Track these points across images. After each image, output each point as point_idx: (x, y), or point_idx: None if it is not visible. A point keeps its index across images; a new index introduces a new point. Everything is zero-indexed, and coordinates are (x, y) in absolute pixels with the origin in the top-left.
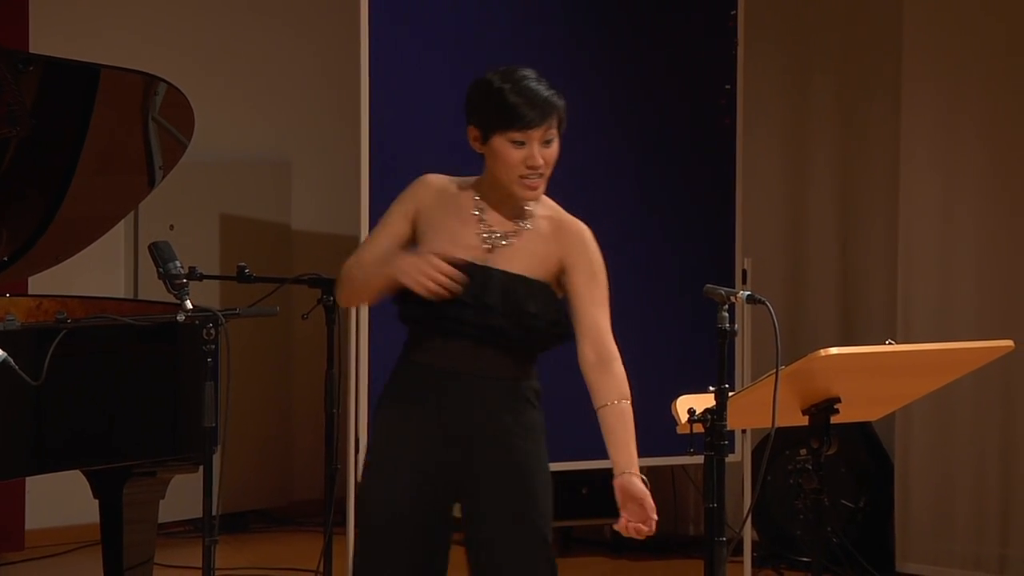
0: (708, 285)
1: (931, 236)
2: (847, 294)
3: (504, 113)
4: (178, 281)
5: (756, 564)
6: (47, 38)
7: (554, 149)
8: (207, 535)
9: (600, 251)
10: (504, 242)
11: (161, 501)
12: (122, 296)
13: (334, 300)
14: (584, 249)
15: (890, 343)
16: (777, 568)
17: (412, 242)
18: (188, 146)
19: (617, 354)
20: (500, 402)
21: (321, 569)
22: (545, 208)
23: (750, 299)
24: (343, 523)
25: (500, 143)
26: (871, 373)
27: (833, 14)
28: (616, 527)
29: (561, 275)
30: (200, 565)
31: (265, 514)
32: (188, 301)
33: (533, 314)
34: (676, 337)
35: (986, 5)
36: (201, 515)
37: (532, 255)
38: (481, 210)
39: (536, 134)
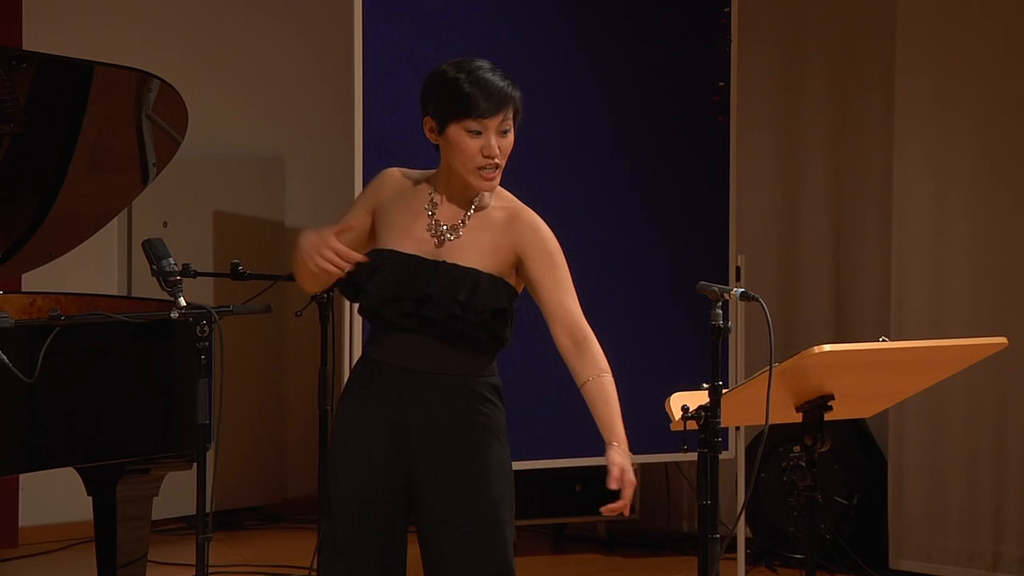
0: (702, 282)
1: (925, 233)
2: (840, 291)
3: (460, 102)
4: (172, 278)
5: (750, 561)
6: (40, 35)
7: (510, 139)
8: (201, 532)
9: (557, 237)
10: (452, 236)
11: (155, 498)
12: (116, 293)
13: (327, 297)
14: (537, 236)
15: (884, 340)
16: (771, 565)
17: (372, 235)
18: (181, 143)
19: (591, 333)
20: (449, 399)
21: (315, 566)
22: (500, 199)
23: (744, 296)
24: None
25: (456, 133)
26: (865, 370)
27: (826, 11)
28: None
29: (519, 266)
30: (194, 562)
31: (259, 511)
32: (182, 298)
33: (477, 307)
34: (670, 334)
35: (979, 1)
36: (195, 512)
37: (482, 248)
38: (434, 204)
39: (492, 123)
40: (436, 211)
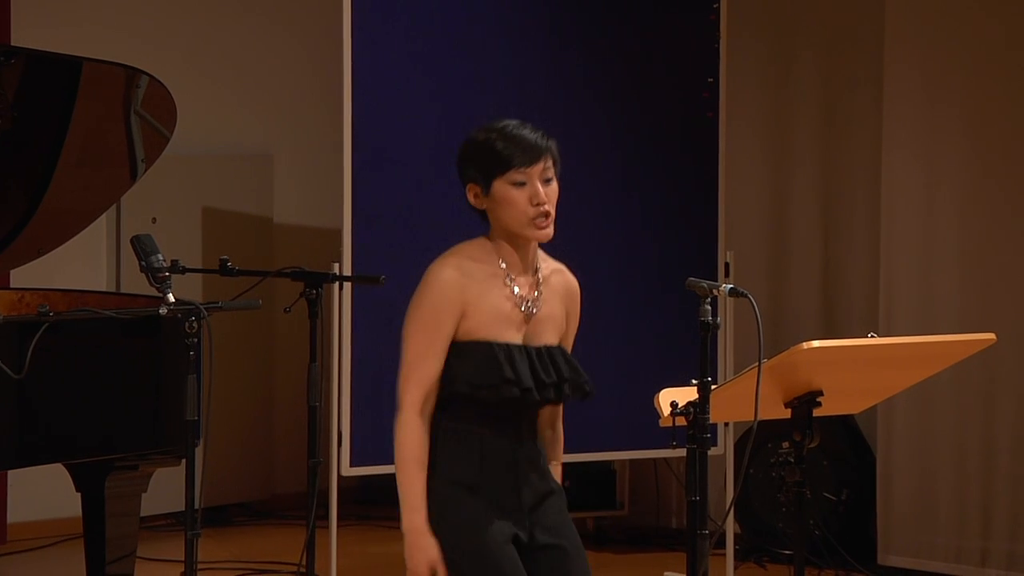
0: (691, 278)
1: (913, 229)
2: (829, 287)
3: (499, 157)
4: (160, 274)
5: (738, 557)
6: (29, 31)
7: (555, 188)
8: (189, 528)
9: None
10: (536, 310)
11: (143, 494)
12: (104, 289)
13: (316, 293)
14: (578, 305)
15: (872, 336)
16: (759, 561)
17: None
18: (170, 139)
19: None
20: (537, 466)
21: (303, 562)
22: (545, 259)
23: (732, 292)
24: (325, 516)
25: (502, 189)
26: (853, 366)
27: (815, 7)
28: None
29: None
30: (183, 558)
31: (247, 507)
32: (170, 294)
33: (587, 380)
34: (659, 330)
35: None
36: (183, 508)
37: (555, 320)
38: (511, 276)
39: (535, 171)
40: (515, 284)
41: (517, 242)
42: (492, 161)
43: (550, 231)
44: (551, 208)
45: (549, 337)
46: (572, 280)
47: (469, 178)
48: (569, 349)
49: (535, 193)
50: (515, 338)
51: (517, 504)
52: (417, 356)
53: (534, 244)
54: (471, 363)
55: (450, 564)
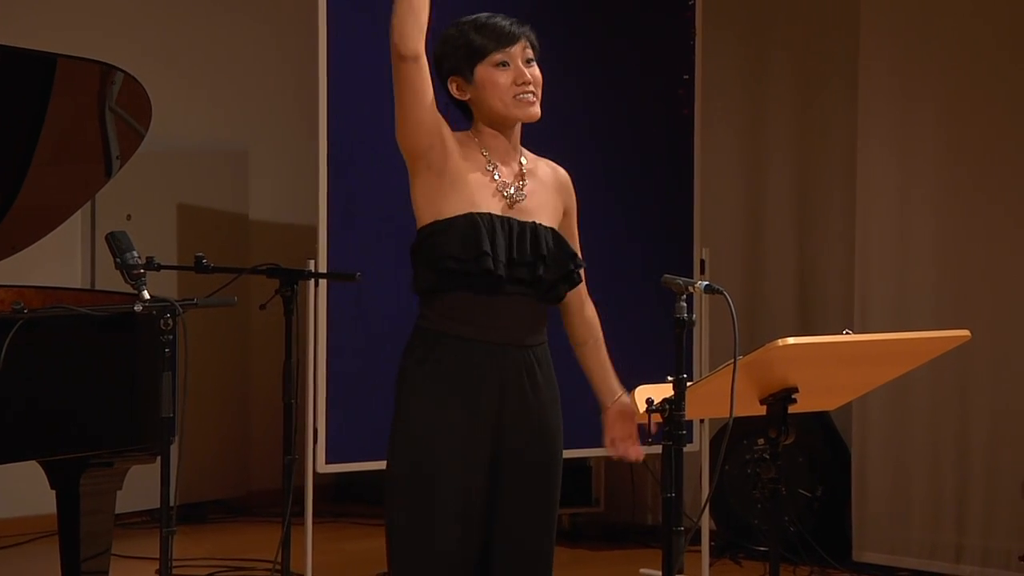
0: (666, 275)
1: (888, 225)
2: (805, 284)
3: (479, 42)
4: (135, 271)
5: (714, 554)
6: (3, 28)
7: (537, 71)
8: (165, 525)
9: None
10: (519, 198)
11: (118, 491)
12: (79, 286)
13: (292, 290)
14: (573, 197)
15: (848, 333)
16: (735, 557)
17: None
18: (145, 136)
19: (588, 296)
20: (545, 373)
21: (279, 559)
22: (531, 155)
23: (708, 289)
24: (301, 513)
25: (485, 72)
26: (829, 363)
27: (790, 4)
28: (607, 449)
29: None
30: (158, 556)
31: (223, 504)
32: (145, 291)
33: (575, 264)
34: (634, 327)
35: None
36: (159, 505)
37: (547, 207)
38: (492, 163)
39: (515, 51)
40: (497, 171)
41: (501, 129)
42: (472, 47)
43: (537, 110)
44: (537, 88)
45: (541, 219)
46: (562, 171)
47: (449, 71)
48: (575, 242)
49: (519, 73)
50: (497, 211)
51: (494, 414)
52: None
53: (517, 133)
54: (454, 235)
55: (391, 455)
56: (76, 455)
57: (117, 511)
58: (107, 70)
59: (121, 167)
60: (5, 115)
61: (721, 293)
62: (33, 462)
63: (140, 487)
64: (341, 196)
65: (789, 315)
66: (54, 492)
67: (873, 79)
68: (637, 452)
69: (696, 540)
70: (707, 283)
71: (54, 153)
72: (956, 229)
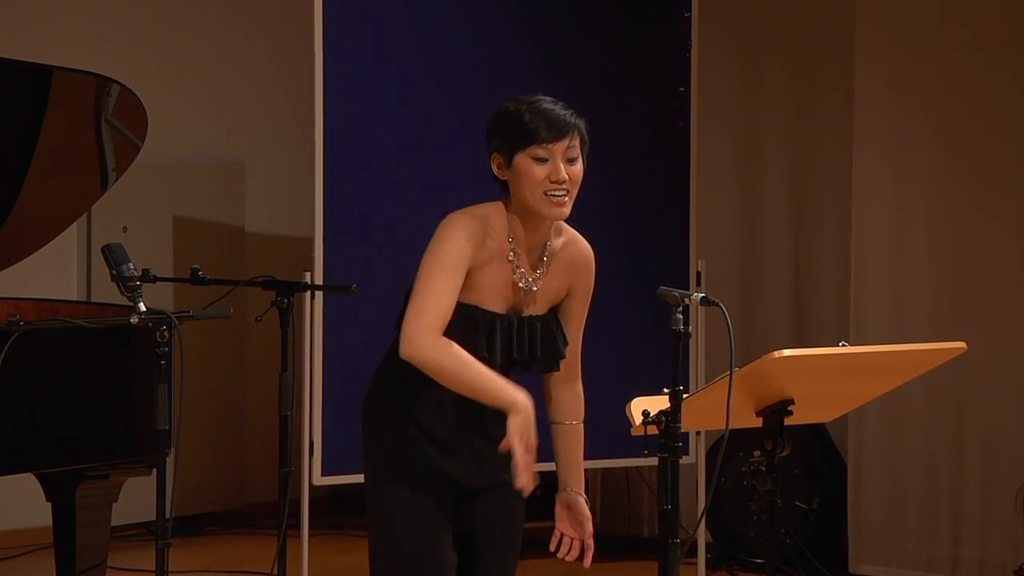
0: (662, 287)
1: (884, 237)
2: (800, 296)
3: (524, 130)
4: (131, 283)
5: (710, 566)
6: None
7: (579, 168)
8: (160, 538)
9: None
10: (534, 287)
11: (114, 504)
12: (75, 298)
13: (288, 302)
14: (589, 277)
15: (843, 345)
16: (731, 569)
17: None
18: (141, 148)
19: (580, 374)
20: (498, 422)
21: (275, 572)
22: (560, 232)
23: (704, 301)
24: (297, 526)
25: (523, 162)
26: (825, 375)
27: (786, 15)
28: (552, 546)
29: (564, 297)
30: (153, 568)
31: (219, 517)
32: (141, 303)
33: (560, 357)
34: (630, 339)
35: (938, 3)
36: (154, 518)
37: (552, 293)
38: (517, 255)
39: (558, 149)
40: (519, 261)
41: (531, 219)
42: (517, 133)
43: (566, 210)
44: (571, 188)
45: (538, 307)
46: (584, 252)
47: (494, 148)
48: (577, 322)
49: (555, 170)
50: (500, 308)
51: (468, 455)
52: (432, 294)
53: (547, 223)
54: (454, 324)
55: (369, 491)
56: (72, 467)
57: (113, 523)
58: (103, 82)
59: (117, 179)
60: (1, 127)
61: (717, 305)
62: (29, 474)
63: (136, 499)
64: (337, 208)
65: (785, 327)
66: (50, 504)
67: (869, 90)
68: (572, 557)
69: (692, 552)
70: (703, 295)
71: (50, 165)
72: (952, 241)
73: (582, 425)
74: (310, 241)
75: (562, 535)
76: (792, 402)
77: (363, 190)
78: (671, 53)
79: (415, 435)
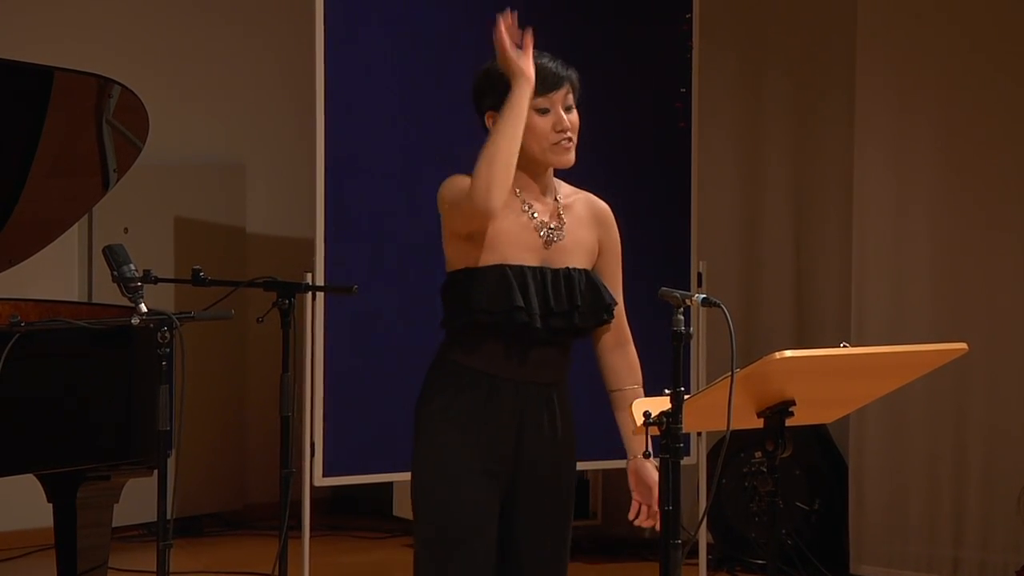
0: (663, 288)
1: (885, 238)
2: (802, 297)
3: None
4: (132, 284)
5: (711, 567)
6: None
7: (576, 116)
8: (161, 539)
9: None
10: (557, 237)
11: (115, 505)
12: (76, 299)
13: (289, 303)
14: (614, 231)
15: (845, 345)
16: (732, 571)
17: (467, 237)
18: (142, 149)
19: (630, 337)
20: (564, 411)
21: (276, 572)
22: (566, 189)
23: (705, 302)
24: (298, 527)
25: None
26: (826, 376)
27: (787, 17)
28: (631, 515)
29: (598, 254)
30: (154, 569)
31: (220, 518)
32: (142, 304)
33: (608, 306)
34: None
35: (940, 6)
36: (155, 519)
37: (585, 247)
38: (528, 203)
39: (557, 98)
40: (533, 211)
41: (534, 169)
42: None
43: (572, 156)
44: (574, 135)
45: (576, 260)
46: (600, 203)
47: (489, 106)
48: (615, 281)
49: (559, 120)
50: (532, 261)
51: (510, 451)
52: (457, 179)
53: (550, 172)
54: (484, 288)
55: (414, 491)
56: (73, 468)
57: (114, 524)
58: (104, 83)
59: (118, 180)
60: (2, 128)
61: (718, 306)
62: (30, 475)
63: (137, 500)
64: (338, 209)
65: (786, 328)
66: (51, 505)
67: (870, 91)
68: (644, 522)
69: (694, 553)
70: (704, 296)
71: (51, 166)
72: (953, 241)
73: (641, 389)
74: (311, 242)
75: (640, 505)
76: (793, 403)
77: (364, 191)
78: (672, 54)
79: (455, 424)
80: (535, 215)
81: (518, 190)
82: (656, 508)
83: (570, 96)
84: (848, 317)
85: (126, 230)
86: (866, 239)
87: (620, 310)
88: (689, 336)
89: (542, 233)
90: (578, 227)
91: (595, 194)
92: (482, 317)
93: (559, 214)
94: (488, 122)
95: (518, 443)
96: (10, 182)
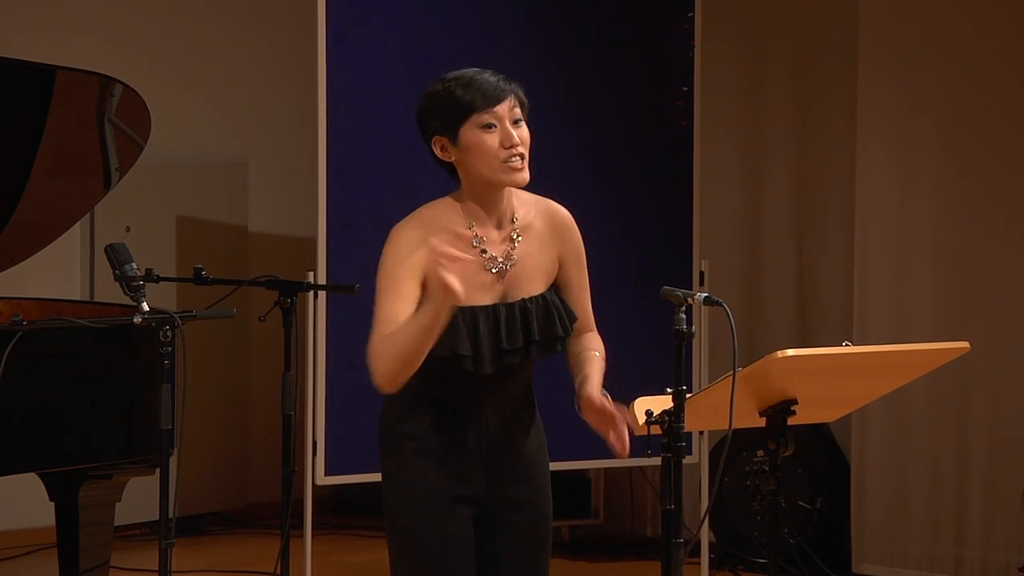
0: (665, 287)
1: (887, 237)
2: (804, 295)
3: (465, 99)
4: (134, 283)
5: (713, 566)
6: (1, 38)
7: (526, 131)
8: (163, 538)
9: None
10: (509, 266)
11: (117, 504)
12: (78, 298)
13: (291, 302)
14: (574, 239)
15: (847, 344)
16: (734, 569)
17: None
18: (144, 148)
19: (594, 326)
20: (525, 418)
21: (278, 571)
22: (525, 203)
23: (707, 301)
24: (300, 526)
25: (471, 134)
26: (828, 375)
27: (789, 16)
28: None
29: (558, 269)
30: (156, 568)
31: (222, 516)
32: (144, 303)
33: (563, 332)
34: (634, 339)
35: (942, 4)
36: (157, 518)
37: (540, 268)
38: (480, 238)
39: (502, 111)
40: (484, 244)
41: (489, 194)
42: (456, 107)
43: (526, 174)
44: (525, 150)
45: (533, 287)
46: (559, 213)
47: (433, 130)
48: (578, 288)
49: (507, 136)
50: (486, 299)
51: (481, 471)
52: (382, 320)
53: (508, 192)
54: (458, 335)
55: (391, 523)
56: (75, 467)
57: (116, 523)
58: (106, 82)
59: (120, 179)
60: (4, 127)
61: (720, 305)
62: (32, 474)
63: (139, 499)
64: (340, 208)
65: (788, 327)
66: (53, 504)
67: (872, 90)
68: (621, 446)
69: (695, 552)
70: (706, 295)
71: (53, 165)
72: (956, 240)
73: (601, 357)
74: (313, 241)
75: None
76: (795, 402)
77: (366, 190)
78: (674, 53)
79: (425, 454)
80: (485, 251)
81: (472, 223)
82: (621, 428)
83: (517, 110)
84: (850, 316)
85: (128, 229)
86: (868, 237)
87: (586, 311)
88: (691, 335)
89: (494, 269)
90: (536, 248)
91: (559, 186)
92: (430, 362)
93: (512, 240)
94: (436, 147)
95: (488, 466)
96: (12, 181)
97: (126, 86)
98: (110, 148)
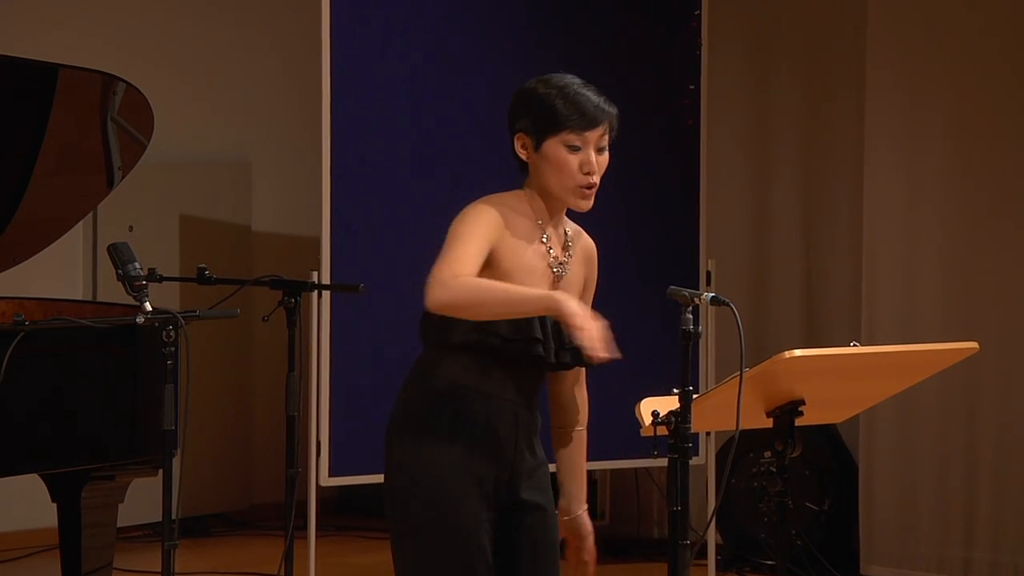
0: (672, 287)
1: (895, 236)
2: (811, 295)
3: (558, 115)
4: (137, 283)
5: (720, 567)
6: (4, 39)
7: (606, 158)
8: (167, 539)
9: None
10: (564, 273)
11: (120, 505)
12: (81, 298)
13: (295, 302)
14: (595, 270)
15: (855, 345)
16: (741, 571)
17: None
18: (147, 146)
19: (585, 376)
20: (536, 435)
21: (282, 573)
22: (568, 221)
23: (714, 301)
24: (304, 527)
25: (554, 148)
26: (836, 375)
27: (796, 14)
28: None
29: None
30: (159, 570)
31: (225, 518)
32: (147, 303)
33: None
34: (640, 339)
35: (950, 4)
36: (160, 519)
37: (576, 284)
38: (548, 237)
39: (592, 137)
40: (550, 243)
41: (554, 203)
42: (550, 118)
43: (591, 203)
44: (598, 179)
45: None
46: (590, 241)
47: (520, 128)
48: None
49: (587, 161)
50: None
51: (505, 466)
52: (451, 255)
53: (564, 208)
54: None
55: (404, 513)
56: (77, 468)
57: (119, 524)
58: (109, 80)
59: (123, 178)
60: (7, 125)
61: (727, 305)
62: (34, 475)
63: (142, 500)
64: (344, 207)
65: (796, 327)
66: (55, 505)
67: (880, 90)
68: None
69: (702, 554)
70: (713, 295)
71: (56, 164)
72: (964, 241)
73: (584, 431)
74: (317, 241)
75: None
76: (803, 403)
77: (370, 189)
78: (681, 51)
79: (446, 450)
80: (551, 249)
81: (539, 219)
82: (587, 557)
83: (605, 137)
84: (858, 316)
85: (131, 228)
86: (876, 237)
87: None
88: (698, 335)
89: (555, 268)
90: (577, 264)
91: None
92: (494, 341)
93: (567, 247)
94: (517, 144)
95: (514, 463)
96: (14, 180)
97: (129, 84)
98: (113, 147)
